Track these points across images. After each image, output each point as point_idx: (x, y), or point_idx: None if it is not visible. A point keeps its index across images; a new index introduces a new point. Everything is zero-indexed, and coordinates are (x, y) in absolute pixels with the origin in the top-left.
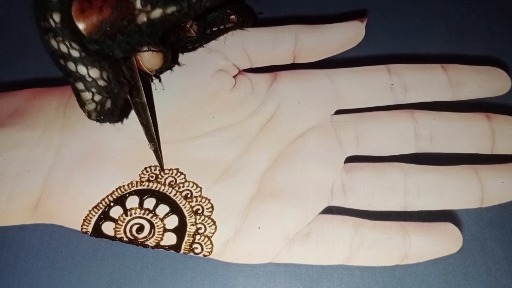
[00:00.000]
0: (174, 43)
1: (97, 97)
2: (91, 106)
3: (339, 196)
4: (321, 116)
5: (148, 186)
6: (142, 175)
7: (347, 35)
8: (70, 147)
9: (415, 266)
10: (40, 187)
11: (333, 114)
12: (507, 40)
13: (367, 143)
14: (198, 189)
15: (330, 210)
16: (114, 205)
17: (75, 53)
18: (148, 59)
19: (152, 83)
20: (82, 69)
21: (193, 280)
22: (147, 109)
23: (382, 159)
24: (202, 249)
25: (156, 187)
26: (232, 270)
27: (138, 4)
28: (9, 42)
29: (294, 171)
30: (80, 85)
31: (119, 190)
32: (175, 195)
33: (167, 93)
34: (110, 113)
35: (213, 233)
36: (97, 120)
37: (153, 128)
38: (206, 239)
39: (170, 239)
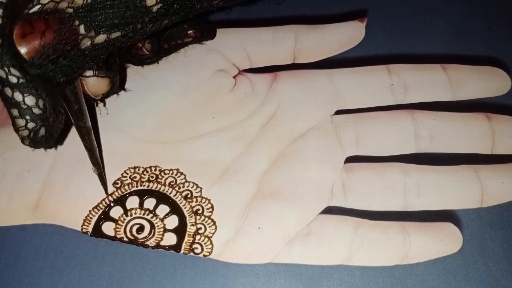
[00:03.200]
0: (130, 59)
1: (31, 125)
2: (24, 133)
3: (339, 196)
4: (321, 116)
5: (148, 186)
6: (142, 175)
7: (347, 35)
8: (70, 147)
9: (415, 266)
10: (40, 187)
11: (333, 114)
12: (507, 40)
13: (367, 143)
14: (198, 189)
15: (330, 210)
16: (114, 205)
17: (13, 79)
18: (93, 84)
19: (97, 108)
20: (18, 96)
21: (193, 280)
22: (92, 133)
23: (382, 159)
24: (202, 249)
25: (156, 187)
26: (232, 270)
27: (82, 30)
28: None
29: (294, 171)
30: (15, 112)
31: (119, 190)
32: (175, 195)
33: (167, 93)
34: (44, 140)
35: (213, 233)
36: (30, 146)
37: (97, 151)
38: (206, 239)
39: (170, 239)
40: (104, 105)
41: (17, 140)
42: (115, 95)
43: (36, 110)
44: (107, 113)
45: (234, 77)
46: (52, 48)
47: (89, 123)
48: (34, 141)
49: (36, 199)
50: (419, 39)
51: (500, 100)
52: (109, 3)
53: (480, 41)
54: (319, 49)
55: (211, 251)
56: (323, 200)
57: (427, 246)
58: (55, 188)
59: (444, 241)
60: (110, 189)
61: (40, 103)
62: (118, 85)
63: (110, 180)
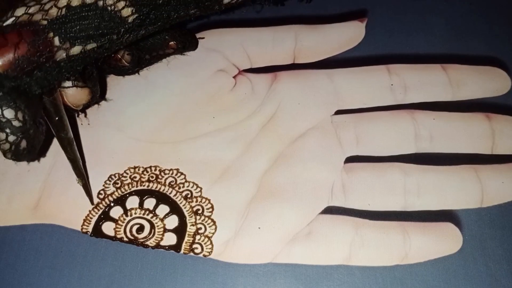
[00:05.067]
0: (110, 71)
1: (11, 138)
2: (5, 147)
3: (339, 196)
4: (321, 116)
5: (148, 186)
6: (142, 175)
7: (347, 35)
8: None
9: (415, 266)
10: (40, 187)
11: (333, 114)
12: (507, 40)
13: (367, 143)
14: (198, 189)
15: (330, 210)
16: (114, 205)
17: None
18: (73, 94)
19: (78, 118)
20: None
21: (193, 280)
22: (74, 144)
23: (382, 159)
24: (202, 249)
25: (156, 187)
26: (232, 270)
27: (57, 41)
28: None
29: (294, 171)
30: None
31: (119, 190)
32: (175, 195)
33: (167, 93)
34: (26, 153)
35: (213, 233)
36: (13, 160)
37: (80, 162)
38: (206, 239)
39: (170, 239)
40: (85, 115)
41: None
42: (114, 96)
43: (16, 123)
44: (88, 124)
45: (234, 77)
46: (26, 60)
47: (71, 134)
48: (16, 154)
49: (36, 199)
50: (419, 39)
51: (500, 100)
52: (83, 14)
53: (480, 41)
54: (319, 49)
55: (211, 251)
56: (323, 200)
57: (427, 246)
58: (55, 188)
59: (444, 241)
60: (110, 189)
61: (20, 115)
62: (98, 95)
63: (109, 179)
